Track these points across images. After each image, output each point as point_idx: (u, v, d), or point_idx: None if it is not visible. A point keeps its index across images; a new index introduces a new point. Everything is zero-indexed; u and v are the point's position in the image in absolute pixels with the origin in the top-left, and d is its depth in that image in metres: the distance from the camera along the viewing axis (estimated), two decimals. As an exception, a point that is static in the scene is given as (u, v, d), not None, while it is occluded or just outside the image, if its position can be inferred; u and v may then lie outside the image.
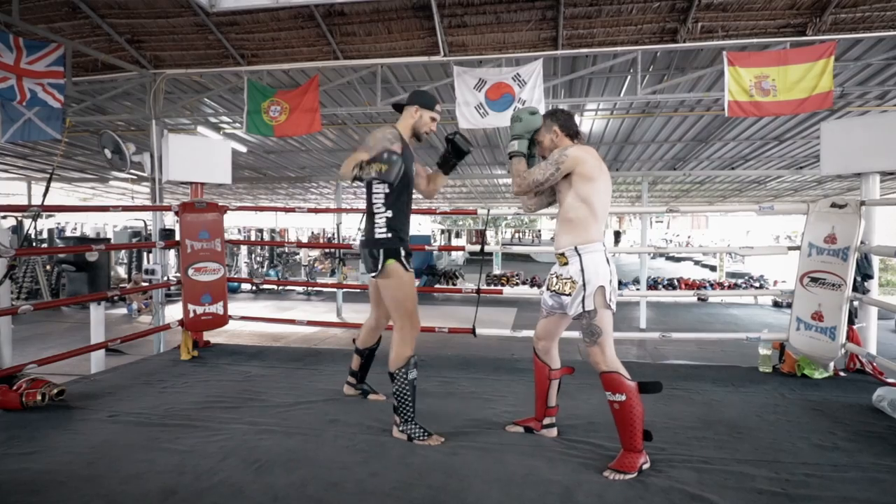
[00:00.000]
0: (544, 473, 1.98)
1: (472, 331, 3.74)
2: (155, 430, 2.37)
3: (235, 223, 20.14)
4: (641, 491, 1.85)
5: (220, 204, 4.06)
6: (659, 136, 8.37)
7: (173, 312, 4.84)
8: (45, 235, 12.85)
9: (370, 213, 2.36)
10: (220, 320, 3.98)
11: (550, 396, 2.33)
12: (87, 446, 2.21)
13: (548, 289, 2.21)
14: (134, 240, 11.72)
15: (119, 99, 6.75)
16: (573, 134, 2.18)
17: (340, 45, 5.28)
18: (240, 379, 3.22)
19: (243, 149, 8.98)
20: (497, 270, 15.45)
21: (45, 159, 10.58)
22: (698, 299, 11.47)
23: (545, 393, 2.32)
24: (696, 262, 24.53)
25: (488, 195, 16.05)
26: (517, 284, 13.83)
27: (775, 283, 13.29)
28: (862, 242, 3.14)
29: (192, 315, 3.83)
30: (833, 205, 3.25)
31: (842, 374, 3.32)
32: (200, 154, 4.20)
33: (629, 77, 5.77)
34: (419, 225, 28.88)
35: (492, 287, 11.12)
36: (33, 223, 4.80)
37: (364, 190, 2.43)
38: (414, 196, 2.48)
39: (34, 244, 10.75)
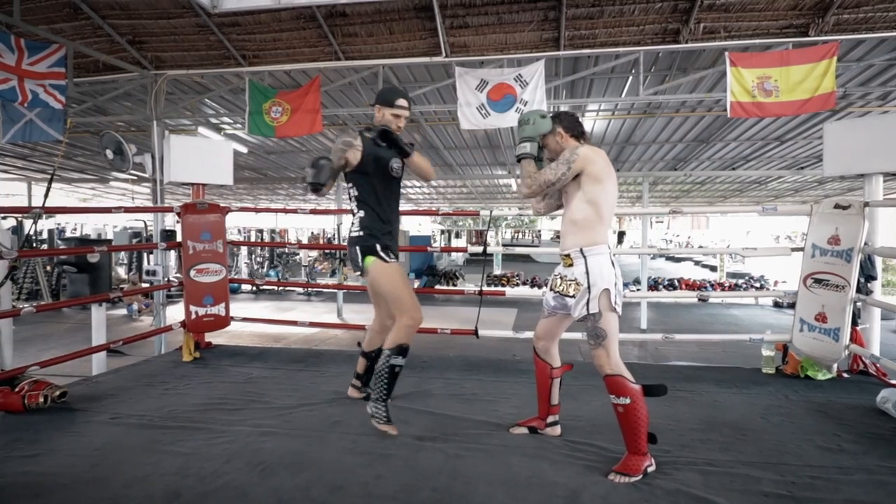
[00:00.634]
0: (549, 476, 1.97)
1: (475, 332, 3.73)
2: (158, 433, 2.37)
3: (235, 224, 20.13)
4: (647, 494, 1.84)
5: (221, 205, 4.05)
6: (660, 136, 8.37)
7: (174, 313, 4.84)
8: (45, 236, 12.83)
9: (352, 215, 2.49)
10: (222, 321, 3.97)
11: (553, 395, 2.33)
12: (90, 449, 2.20)
13: (551, 289, 2.20)
14: (134, 240, 11.70)
15: (120, 100, 6.74)
16: (579, 135, 2.17)
17: (342, 45, 5.28)
18: (242, 380, 3.21)
19: (244, 149, 8.98)
20: (497, 271, 15.44)
21: (45, 160, 10.57)
22: (699, 300, 11.45)
23: (547, 392, 2.33)
24: (697, 263, 24.51)
25: (489, 195, 16.03)
26: (517, 285, 13.82)
27: (776, 283, 13.28)
28: (865, 244, 3.13)
29: (193, 316, 3.82)
30: (836, 206, 3.24)
31: (845, 375, 3.32)
32: (202, 155, 4.19)
33: (631, 78, 5.76)
34: (419, 225, 28.88)
35: (493, 288, 11.11)
36: (34, 224, 4.80)
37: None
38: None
39: (34, 245, 10.74)
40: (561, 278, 2.14)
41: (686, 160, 9.85)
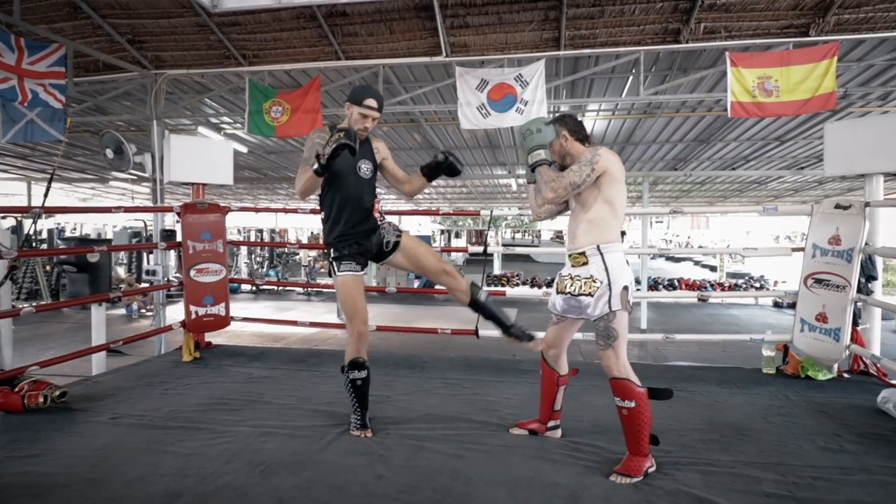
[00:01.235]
0: (550, 476, 1.97)
1: (475, 332, 3.73)
2: (158, 433, 2.36)
3: (235, 223, 20.12)
4: (648, 494, 1.84)
5: (220, 205, 4.05)
6: (660, 136, 8.37)
7: (174, 313, 4.83)
8: (44, 236, 12.82)
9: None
10: (222, 321, 3.97)
11: (557, 401, 2.32)
12: (90, 449, 2.19)
13: (559, 291, 2.12)
14: (134, 240, 11.69)
15: (120, 99, 6.74)
16: (583, 138, 2.14)
17: (342, 45, 5.27)
18: (242, 380, 3.21)
19: (244, 149, 8.97)
20: (497, 271, 15.44)
21: (44, 159, 10.56)
22: (699, 300, 11.45)
23: (552, 398, 2.31)
24: (696, 263, 24.52)
25: (489, 195, 16.04)
26: (517, 285, 13.82)
27: (775, 283, 13.29)
28: (866, 244, 3.13)
29: (193, 316, 3.82)
30: (837, 206, 3.24)
31: (846, 375, 3.32)
32: (202, 155, 4.18)
33: (631, 78, 5.76)
34: (419, 225, 28.84)
35: (493, 288, 11.11)
36: (33, 224, 4.79)
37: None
38: (420, 196, 2.49)
39: (34, 245, 10.73)
40: (572, 278, 2.05)
41: (686, 160, 9.85)
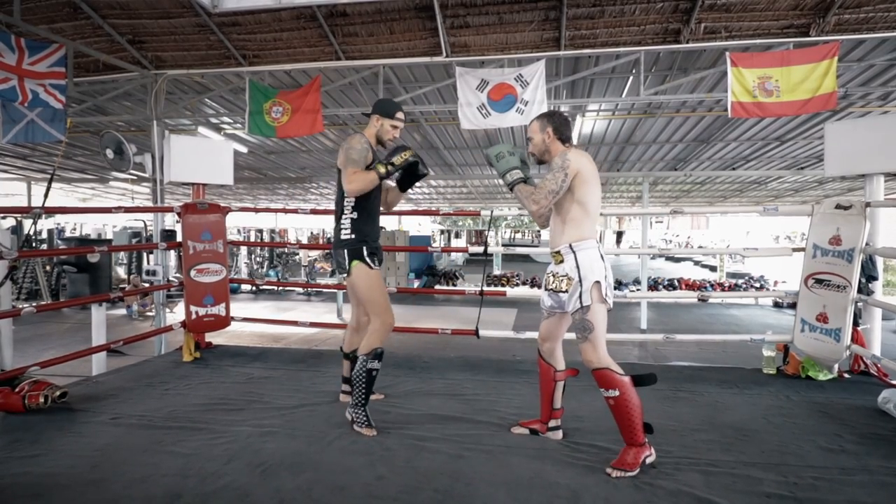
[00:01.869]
0: (551, 476, 1.97)
1: (476, 332, 3.73)
2: (158, 433, 2.36)
3: (235, 223, 20.13)
4: (649, 494, 1.84)
5: (221, 205, 4.05)
6: (660, 136, 8.36)
7: (174, 314, 4.83)
8: (44, 236, 12.82)
9: (337, 216, 2.51)
10: (223, 321, 3.97)
11: (556, 398, 2.33)
12: (91, 449, 2.20)
13: (545, 288, 2.24)
14: (134, 240, 11.69)
15: (120, 99, 6.73)
16: (565, 139, 2.20)
17: (342, 45, 5.27)
18: (242, 381, 3.21)
19: (244, 149, 8.97)
20: (497, 271, 15.44)
21: (45, 160, 10.56)
22: (699, 300, 11.45)
23: (551, 395, 2.33)
24: (696, 263, 24.52)
25: (488, 195, 16.03)
26: (517, 285, 13.82)
27: (775, 283, 13.28)
28: (866, 244, 3.13)
29: (194, 316, 3.82)
30: (838, 206, 3.24)
31: (846, 375, 3.32)
32: (202, 155, 4.18)
33: (631, 78, 5.75)
34: (419, 225, 28.87)
35: (493, 288, 11.11)
36: (33, 224, 4.79)
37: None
38: (415, 195, 2.54)
39: (34, 245, 10.73)
40: (553, 276, 2.17)
41: (686, 160, 9.85)
